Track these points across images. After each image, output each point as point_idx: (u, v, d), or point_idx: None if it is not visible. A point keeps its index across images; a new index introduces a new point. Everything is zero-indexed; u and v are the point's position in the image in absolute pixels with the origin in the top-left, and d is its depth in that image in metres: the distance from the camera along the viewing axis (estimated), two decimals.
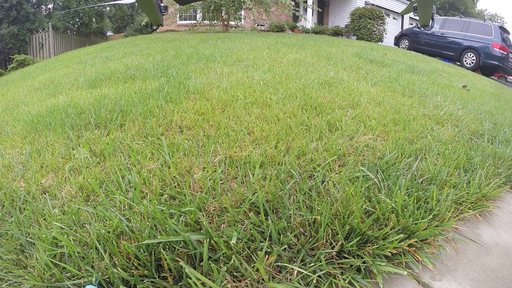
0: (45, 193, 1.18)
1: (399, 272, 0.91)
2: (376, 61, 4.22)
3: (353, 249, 0.93)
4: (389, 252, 0.93)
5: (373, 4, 12.40)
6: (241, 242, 0.89)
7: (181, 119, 1.70)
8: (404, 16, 14.97)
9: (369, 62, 4.13)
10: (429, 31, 9.69)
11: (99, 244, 0.88)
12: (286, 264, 0.86)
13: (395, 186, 1.18)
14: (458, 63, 9.28)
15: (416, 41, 10.41)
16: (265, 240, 0.90)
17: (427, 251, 1.01)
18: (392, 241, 0.95)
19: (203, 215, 0.98)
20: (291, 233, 0.94)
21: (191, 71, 2.85)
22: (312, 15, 12.98)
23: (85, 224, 0.98)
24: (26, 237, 0.97)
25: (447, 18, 10.01)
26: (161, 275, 0.83)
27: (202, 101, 1.95)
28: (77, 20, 14.97)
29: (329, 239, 0.94)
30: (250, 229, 0.92)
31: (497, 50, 8.47)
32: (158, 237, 0.88)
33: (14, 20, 12.20)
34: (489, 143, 1.87)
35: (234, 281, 0.82)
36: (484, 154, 1.67)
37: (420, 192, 1.19)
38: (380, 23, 11.11)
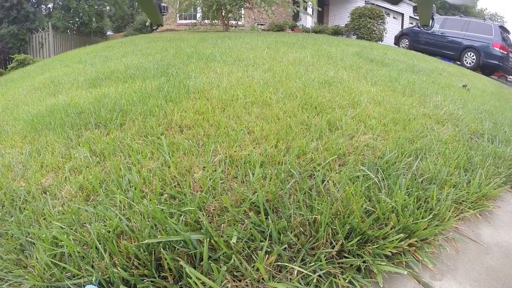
0: (45, 193, 1.18)
1: (399, 272, 0.91)
2: (376, 61, 4.22)
3: (353, 249, 0.93)
4: (389, 251, 0.93)
5: (373, 4, 12.38)
6: (241, 241, 0.89)
7: (181, 119, 1.70)
8: (404, 15, 14.97)
9: (369, 61, 4.13)
10: (429, 31, 9.67)
11: (99, 243, 0.88)
12: (286, 264, 0.86)
13: (395, 186, 1.18)
14: (458, 62, 9.26)
15: (416, 40, 10.39)
16: (265, 239, 0.90)
17: (427, 250, 1.01)
18: (392, 240, 0.95)
19: (203, 215, 0.98)
20: (291, 233, 0.94)
21: (191, 70, 2.85)
22: (312, 14, 12.96)
23: (85, 223, 0.98)
24: (26, 236, 0.97)
25: (447, 18, 10.00)
26: (161, 274, 0.83)
27: (202, 101, 1.95)
28: (77, 19, 14.92)
29: (329, 238, 0.94)
30: (250, 229, 0.92)
31: (497, 49, 8.46)
32: (158, 236, 0.88)
33: (14, 20, 12.17)
34: (489, 143, 1.87)
35: (234, 281, 0.82)
36: (484, 153, 1.67)
37: (420, 192, 1.19)
38: (380, 22, 11.09)
